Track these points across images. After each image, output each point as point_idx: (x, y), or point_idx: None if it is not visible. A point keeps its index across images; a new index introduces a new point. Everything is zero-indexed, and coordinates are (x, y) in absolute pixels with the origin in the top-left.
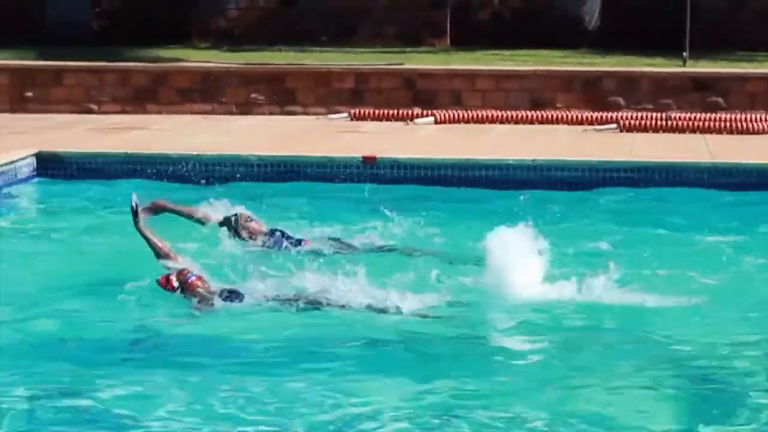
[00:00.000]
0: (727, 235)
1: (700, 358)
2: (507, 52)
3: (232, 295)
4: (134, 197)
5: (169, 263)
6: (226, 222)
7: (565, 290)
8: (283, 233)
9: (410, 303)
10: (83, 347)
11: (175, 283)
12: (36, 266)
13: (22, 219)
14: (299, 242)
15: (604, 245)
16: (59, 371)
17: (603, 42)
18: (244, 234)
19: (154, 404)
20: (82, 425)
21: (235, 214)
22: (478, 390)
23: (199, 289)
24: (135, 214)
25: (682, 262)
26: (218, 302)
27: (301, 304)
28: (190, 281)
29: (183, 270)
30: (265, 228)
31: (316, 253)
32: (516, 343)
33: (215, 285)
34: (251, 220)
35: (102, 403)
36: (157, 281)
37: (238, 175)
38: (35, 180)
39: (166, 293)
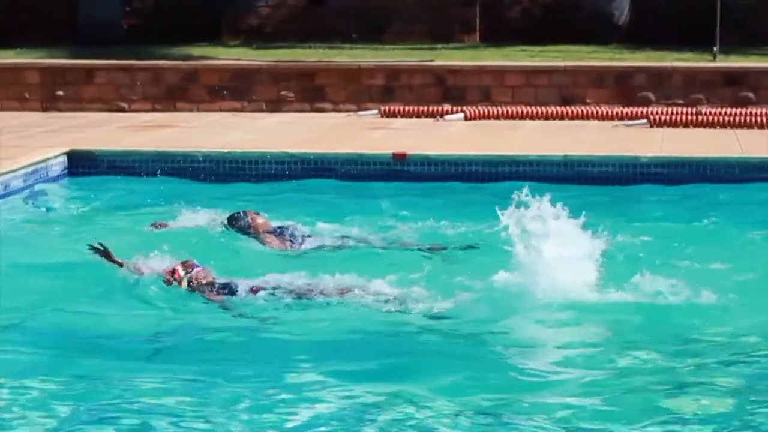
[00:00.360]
0: (760, 230)
1: (739, 353)
2: (537, 48)
3: (227, 287)
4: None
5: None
6: (233, 220)
7: (598, 288)
8: (287, 229)
9: (420, 300)
10: (111, 344)
11: (182, 272)
12: (66, 264)
13: (54, 217)
14: (303, 238)
15: (635, 241)
16: (89, 366)
17: (633, 37)
18: (251, 231)
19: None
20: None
21: (243, 211)
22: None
23: (203, 280)
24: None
25: (714, 257)
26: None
27: (297, 299)
28: (196, 271)
29: (186, 261)
30: (272, 224)
31: (321, 249)
32: (557, 342)
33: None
34: (258, 216)
35: (135, 396)
36: (163, 279)
37: (268, 172)
38: (66, 178)
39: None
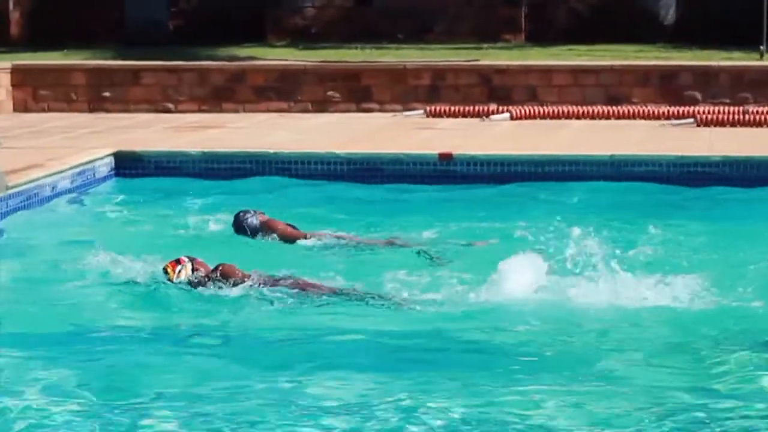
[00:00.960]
0: None
1: None
2: (583, 48)
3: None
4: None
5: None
6: (242, 222)
7: (640, 288)
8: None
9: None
10: (158, 341)
11: (186, 260)
12: (115, 263)
13: (101, 218)
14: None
15: (684, 241)
16: (124, 361)
17: (679, 36)
18: (261, 228)
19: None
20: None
21: (249, 210)
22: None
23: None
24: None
25: (763, 257)
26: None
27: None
28: (198, 261)
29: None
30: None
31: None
32: (597, 345)
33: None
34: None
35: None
36: (165, 269)
37: (314, 173)
38: (113, 179)
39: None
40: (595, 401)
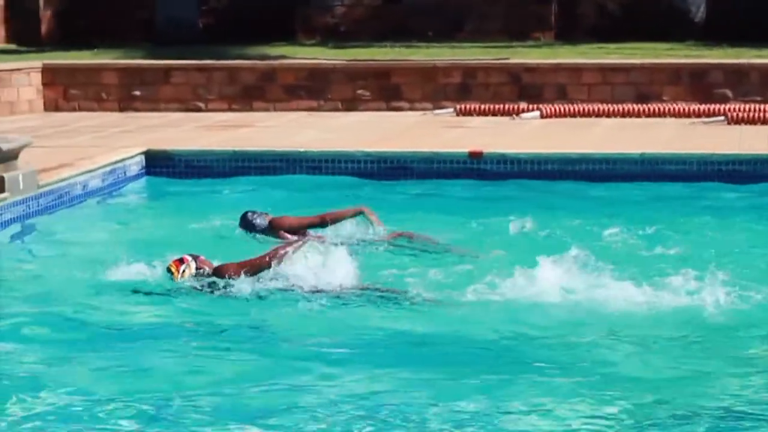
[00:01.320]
0: None
1: None
2: (613, 46)
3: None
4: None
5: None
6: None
7: (670, 288)
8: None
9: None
10: (187, 339)
11: (189, 258)
12: (146, 262)
13: (132, 216)
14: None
15: (713, 240)
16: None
17: (710, 34)
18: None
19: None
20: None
21: (257, 211)
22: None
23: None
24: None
25: None
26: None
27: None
28: (201, 258)
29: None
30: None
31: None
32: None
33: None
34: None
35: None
36: (168, 269)
37: (344, 172)
38: (144, 178)
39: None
40: (622, 403)
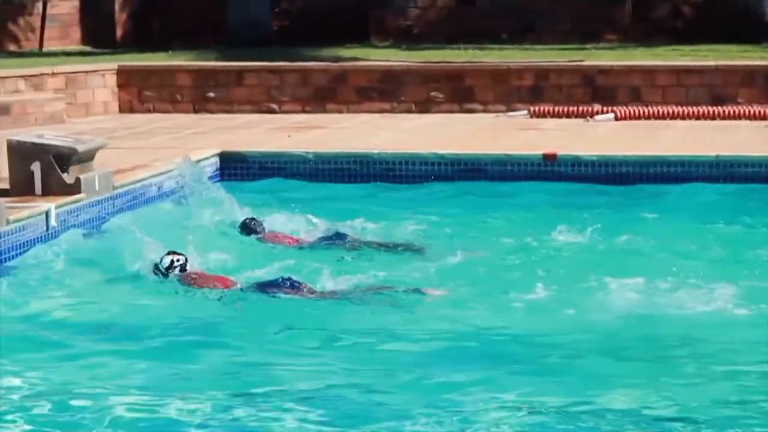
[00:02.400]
0: None
1: None
2: (687, 48)
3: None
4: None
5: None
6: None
7: (744, 291)
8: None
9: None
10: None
11: (183, 258)
12: (220, 264)
13: (205, 218)
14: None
15: None
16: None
17: None
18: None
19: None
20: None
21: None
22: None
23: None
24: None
25: None
26: None
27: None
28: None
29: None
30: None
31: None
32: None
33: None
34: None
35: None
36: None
37: (418, 174)
38: (218, 180)
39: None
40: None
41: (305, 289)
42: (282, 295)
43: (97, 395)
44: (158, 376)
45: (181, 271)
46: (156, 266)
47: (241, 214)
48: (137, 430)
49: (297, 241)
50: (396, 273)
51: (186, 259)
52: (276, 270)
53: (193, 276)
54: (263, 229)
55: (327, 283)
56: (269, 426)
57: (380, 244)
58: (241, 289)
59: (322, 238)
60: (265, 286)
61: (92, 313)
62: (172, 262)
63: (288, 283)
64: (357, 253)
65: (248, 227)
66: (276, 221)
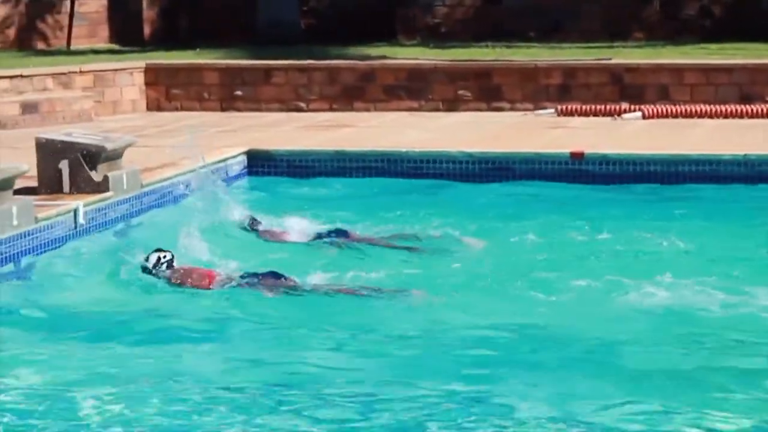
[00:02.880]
0: None
1: None
2: (715, 46)
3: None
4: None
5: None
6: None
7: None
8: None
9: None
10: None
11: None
12: (252, 262)
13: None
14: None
15: None
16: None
17: None
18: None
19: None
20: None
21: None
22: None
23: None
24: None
25: None
26: None
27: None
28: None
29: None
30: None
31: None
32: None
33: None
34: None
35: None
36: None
37: (446, 172)
38: (245, 177)
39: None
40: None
41: (291, 283)
42: (266, 290)
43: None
44: (142, 373)
45: (168, 267)
46: (143, 266)
47: (240, 212)
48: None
49: (293, 236)
50: (391, 271)
51: (173, 255)
52: (270, 265)
53: (181, 271)
54: (260, 225)
55: (315, 278)
56: (256, 421)
57: (386, 243)
58: (230, 283)
59: (320, 234)
60: (251, 278)
61: (112, 308)
62: (159, 258)
63: (274, 276)
64: (353, 251)
65: (248, 225)
66: (288, 222)
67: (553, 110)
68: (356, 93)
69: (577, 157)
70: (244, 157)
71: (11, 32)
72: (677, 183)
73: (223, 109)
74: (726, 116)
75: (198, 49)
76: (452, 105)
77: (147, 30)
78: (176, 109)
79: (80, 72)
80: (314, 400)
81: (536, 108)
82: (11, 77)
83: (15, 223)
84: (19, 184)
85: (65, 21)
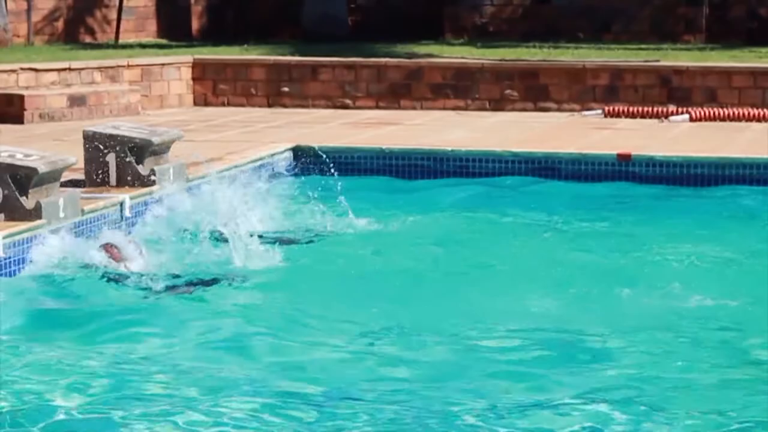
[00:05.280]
0: None
1: None
2: (764, 49)
3: None
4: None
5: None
6: None
7: None
8: None
9: None
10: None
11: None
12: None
13: (279, 211)
14: None
15: None
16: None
17: None
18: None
19: None
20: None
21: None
22: None
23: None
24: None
25: None
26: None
27: None
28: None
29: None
30: None
31: None
32: None
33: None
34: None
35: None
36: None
37: (492, 171)
38: (291, 173)
39: None
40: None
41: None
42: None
43: None
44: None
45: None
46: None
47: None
48: None
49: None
50: None
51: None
52: None
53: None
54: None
55: None
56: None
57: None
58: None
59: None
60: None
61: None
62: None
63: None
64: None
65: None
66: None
67: (600, 111)
68: (403, 91)
69: (624, 158)
70: (290, 153)
71: (59, 25)
72: (724, 185)
73: (269, 105)
74: None
75: (245, 45)
76: (498, 104)
77: (195, 25)
78: (223, 105)
79: (128, 66)
80: None
81: (583, 109)
82: (59, 70)
83: (62, 215)
84: (65, 176)
85: (113, 15)
